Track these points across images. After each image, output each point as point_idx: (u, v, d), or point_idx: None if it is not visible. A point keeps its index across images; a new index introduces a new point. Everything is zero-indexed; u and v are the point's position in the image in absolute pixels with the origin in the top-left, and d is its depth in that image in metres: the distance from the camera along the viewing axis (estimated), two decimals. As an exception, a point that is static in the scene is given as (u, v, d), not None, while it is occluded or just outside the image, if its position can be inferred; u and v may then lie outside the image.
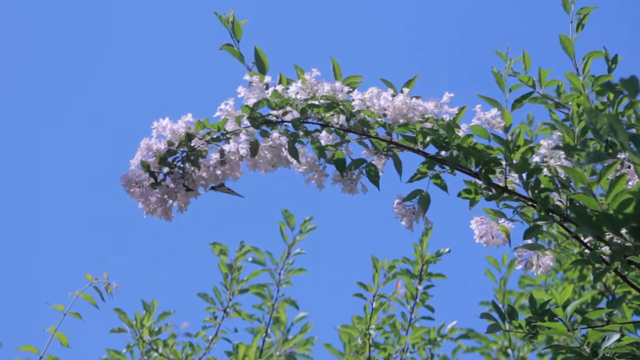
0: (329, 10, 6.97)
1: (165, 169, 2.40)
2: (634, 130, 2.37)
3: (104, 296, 3.00)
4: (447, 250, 4.02)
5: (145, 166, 2.39)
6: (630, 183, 2.34)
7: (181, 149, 2.41)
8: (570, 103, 2.47)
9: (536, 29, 6.38)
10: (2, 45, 6.81)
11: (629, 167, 2.36)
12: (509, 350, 4.43)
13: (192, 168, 2.41)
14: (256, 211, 6.39)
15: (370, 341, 3.93)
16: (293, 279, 4.29)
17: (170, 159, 2.40)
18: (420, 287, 4.02)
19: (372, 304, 3.96)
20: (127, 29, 6.98)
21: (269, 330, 4.26)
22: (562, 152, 2.32)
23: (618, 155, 2.33)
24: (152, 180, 2.39)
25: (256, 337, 4.15)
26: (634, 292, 2.50)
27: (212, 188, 2.45)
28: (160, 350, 4.06)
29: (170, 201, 2.41)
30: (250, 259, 4.28)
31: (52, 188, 6.89)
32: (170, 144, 2.39)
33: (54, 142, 6.90)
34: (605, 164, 1.94)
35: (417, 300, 4.03)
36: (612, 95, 2.40)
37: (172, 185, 2.40)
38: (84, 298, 3.03)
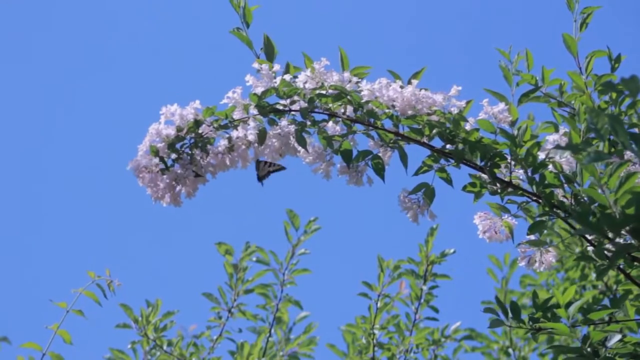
0: (336, 2, 6.99)
1: (173, 156, 2.40)
2: (636, 130, 2.38)
3: (107, 293, 3.01)
4: (452, 251, 4.03)
5: (154, 151, 2.38)
6: (638, 180, 2.34)
7: (189, 136, 2.40)
8: (572, 102, 2.47)
9: (540, 28, 6.39)
10: (6, 33, 6.83)
11: (635, 164, 2.36)
12: (510, 350, 4.43)
13: (201, 154, 2.41)
14: (261, 211, 6.40)
15: (375, 341, 3.93)
16: (297, 279, 4.29)
17: (177, 146, 2.40)
18: (425, 288, 4.02)
19: (376, 304, 3.96)
20: (135, 15, 6.99)
21: (272, 330, 4.26)
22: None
23: (624, 153, 2.34)
24: (161, 165, 2.39)
25: (260, 336, 4.15)
26: (636, 291, 2.50)
27: (261, 178, 2.46)
28: (165, 347, 4.06)
29: (179, 187, 2.41)
30: (255, 259, 4.28)
31: (56, 185, 6.90)
32: (179, 129, 2.39)
33: (56, 137, 6.92)
34: (612, 162, 1.94)
35: (422, 300, 4.03)
36: (614, 95, 2.40)
37: (180, 171, 2.40)
38: (86, 295, 3.03)
